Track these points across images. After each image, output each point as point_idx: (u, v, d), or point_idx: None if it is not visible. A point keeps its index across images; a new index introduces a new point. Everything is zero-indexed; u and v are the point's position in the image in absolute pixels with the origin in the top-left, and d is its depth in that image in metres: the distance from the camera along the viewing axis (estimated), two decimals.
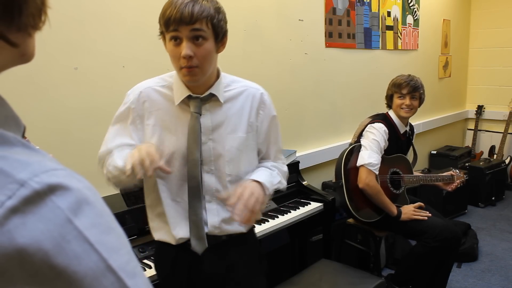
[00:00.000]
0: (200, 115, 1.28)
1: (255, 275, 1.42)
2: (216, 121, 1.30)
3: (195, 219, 1.29)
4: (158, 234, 1.36)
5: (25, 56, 0.50)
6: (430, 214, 2.40)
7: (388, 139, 2.45)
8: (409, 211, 2.41)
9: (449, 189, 2.54)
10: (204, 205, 1.30)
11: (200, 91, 1.28)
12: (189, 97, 1.27)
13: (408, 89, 2.45)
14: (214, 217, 1.31)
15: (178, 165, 1.28)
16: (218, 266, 1.35)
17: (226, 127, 1.30)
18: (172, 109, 1.29)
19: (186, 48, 1.15)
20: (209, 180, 1.30)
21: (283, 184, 1.41)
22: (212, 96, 1.29)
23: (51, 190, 0.41)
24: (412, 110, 2.48)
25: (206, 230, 1.31)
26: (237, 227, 1.34)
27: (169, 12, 1.14)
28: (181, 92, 1.28)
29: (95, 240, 0.42)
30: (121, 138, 1.30)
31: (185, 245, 1.32)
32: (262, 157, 1.43)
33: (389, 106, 2.59)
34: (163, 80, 1.32)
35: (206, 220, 1.31)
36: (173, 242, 1.33)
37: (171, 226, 1.31)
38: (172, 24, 1.15)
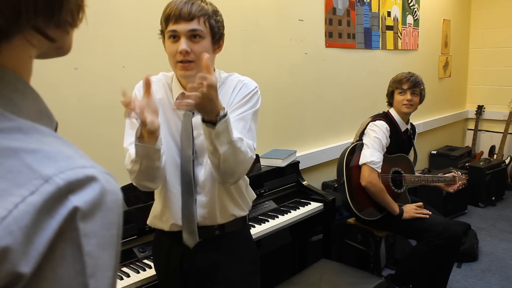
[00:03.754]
0: (193, 114, 1.31)
1: (246, 274, 1.43)
2: None
3: (187, 214, 1.32)
4: (154, 220, 1.41)
5: (62, 50, 0.51)
6: (430, 213, 2.42)
7: (390, 136, 2.46)
8: (411, 209, 2.42)
9: (451, 191, 2.55)
10: (195, 197, 1.33)
11: None
12: (183, 94, 1.30)
13: (409, 85, 2.47)
14: (203, 209, 1.34)
15: (174, 156, 1.32)
16: (209, 261, 1.37)
17: None
18: (171, 105, 1.33)
19: (183, 43, 1.21)
20: (200, 172, 1.33)
21: (234, 141, 1.17)
22: None
23: (73, 186, 0.39)
24: (413, 106, 2.49)
25: (197, 220, 1.33)
26: (223, 218, 1.37)
27: (169, 9, 1.22)
28: (177, 90, 1.33)
29: (87, 251, 0.40)
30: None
31: (178, 236, 1.35)
32: None
33: (390, 103, 2.60)
34: (167, 77, 1.38)
35: (196, 211, 1.34)
36: (166, 228, 1.37)
37: (166, 214, 1.36)
38: (171, 20, 1.21)
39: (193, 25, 1.21)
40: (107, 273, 0.42)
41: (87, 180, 0.41)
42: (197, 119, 1.30)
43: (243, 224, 1.46)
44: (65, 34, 0.49)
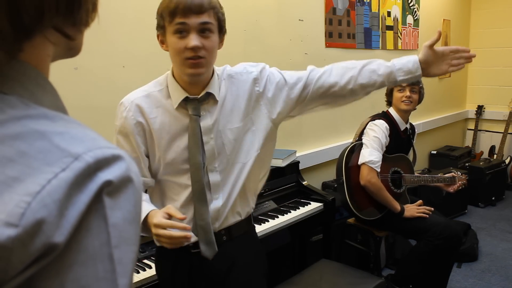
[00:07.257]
0: (199, 116, 1.24)
1: (255, 276, 1.41)
2: (215, 119, 1.27)
3: (203, 224, 1.26)
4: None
5: (72, 50, 0.53)
6: (432, 208, 2.43)
7: (389, 136, 2.46)
8: (412, 208, 2.43)
9: (451, 191, 2.54)
10: (209, 206, 1.27)
11: (196, 92, 1.24)
12: (186, 99, 1.23)
13: None
14: (214, 213, 1.28)
15: (183, 170, 1.26)
16: (219, 267, 1.33)
17: (222, 121, 1.27)
18: (171, 113, 1.24)
19: (194, 39, 1.11)
20: (214, 178, 1.27)
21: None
22: (209, 95, 1.25)
23: (101, 164, 0.41)
24: (412, 103, 2.50)
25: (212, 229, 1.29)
26: (231, 218, 1.33)
27: (175, 1, 1.10)
28: (178, 95, 1.23)
29: (112, 222, 0.41)
30: None
31: (184, 248, 1.29)
32: (306, 83, 1.50)
33: (389, 102, 2.61)
34: (159, 84, 1.27)
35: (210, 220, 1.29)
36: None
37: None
38: (180, 13, 1.10)
39: (204, 18, 1.11)
40: (131, 246, 0.44)
41: (114, 159, 0.43)
42: (205, 121, 1.24)
43: (248, 225, 1.41)
44: (79, 33, 0.51)
